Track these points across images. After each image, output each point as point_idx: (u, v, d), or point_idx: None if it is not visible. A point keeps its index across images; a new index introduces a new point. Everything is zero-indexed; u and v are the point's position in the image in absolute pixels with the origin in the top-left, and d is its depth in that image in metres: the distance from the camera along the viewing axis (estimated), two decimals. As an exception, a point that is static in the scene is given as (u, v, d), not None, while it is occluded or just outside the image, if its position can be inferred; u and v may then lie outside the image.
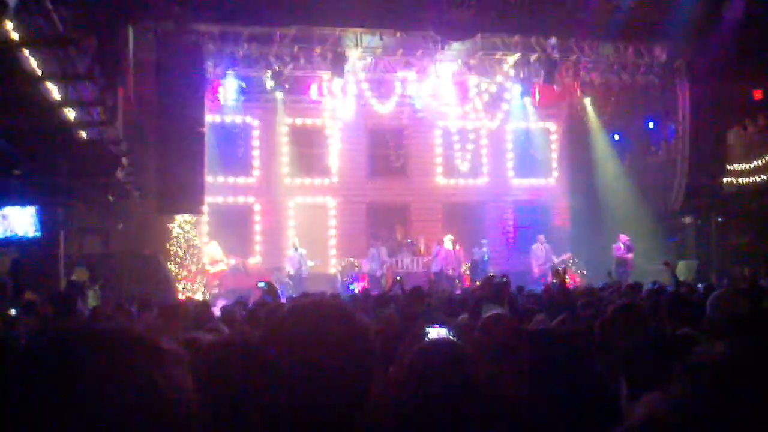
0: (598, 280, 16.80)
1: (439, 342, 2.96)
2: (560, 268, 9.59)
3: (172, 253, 19.51)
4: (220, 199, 21.54)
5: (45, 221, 13.05)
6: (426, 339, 3.32)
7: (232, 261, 20.89)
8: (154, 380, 1.16)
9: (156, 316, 7.55)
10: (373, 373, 1.89)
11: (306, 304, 1.98)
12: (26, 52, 9.54)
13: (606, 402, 3.47)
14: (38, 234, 12.97)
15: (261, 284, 12.33)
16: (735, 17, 18.42)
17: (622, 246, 20.63)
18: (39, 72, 9.98)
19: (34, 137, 11.75)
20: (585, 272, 21.75)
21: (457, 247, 21.37)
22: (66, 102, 11.40)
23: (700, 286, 12.76)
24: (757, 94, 20.14)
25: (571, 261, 22.06)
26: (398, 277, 12.44)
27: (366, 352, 1.89)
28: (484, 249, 21.88)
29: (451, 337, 3.42)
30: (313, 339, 1.81)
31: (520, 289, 12.16)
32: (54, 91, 10.65)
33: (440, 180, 24.12)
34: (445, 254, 21.18)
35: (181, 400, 1.20)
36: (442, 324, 4.73)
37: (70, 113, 11.82)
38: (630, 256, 20.52)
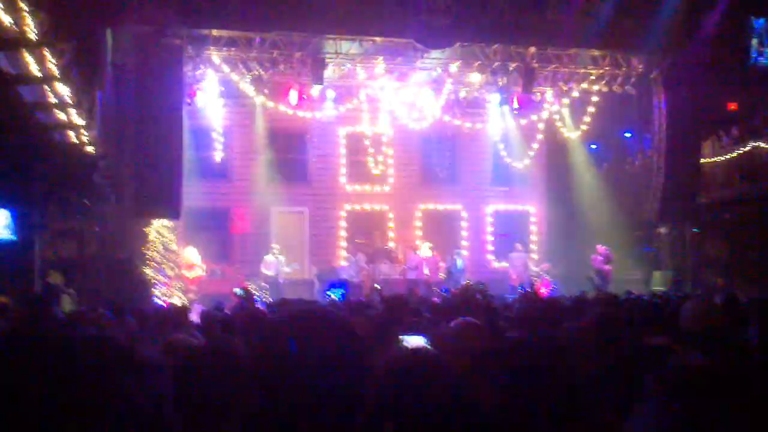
0: (572, 288, 16.89)
1: (413, 350, 2.97)
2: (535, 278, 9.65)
3: (148, 257, 19.35)
4: (197, 204, 21.42)
5: (20, 224, 12.90)
6: (402, 347, 3.32)
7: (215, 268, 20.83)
8: (125, 387, 1.15)
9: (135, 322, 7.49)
10: (365, 381, 1.88)
11: (300, 312, 1.96)
12: (1, 53, 9.45)
13: (583, 411, 3.49)
14: (13, 237, 12.81)
15: (238, 291, 12.32)
16: (711, 30, 18.66)
17: (600, 257, 20.76)
18: (14, 74, 9.89)
19: (9, 140, 11.64)
20: (557, 281, 21.84)
21: (435, 254, 21.41)
22: (42, 104, 11.30)
23: (674, 296, 12.88)
24: (732, 106, 20.39)
25: (548, 270, 22.18)
26: (377, 285, 12.45)
27: (359, 359, 1.87)
28: (458, 259, 21.84)
29: (426, 345, 3.42)
30: (309, 347, 1.79)
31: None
32: (30, 93, 10.56)
33: (419, 187, 24.16)
34: (423, 261, 21.24)
35: (153, 408, 1.19)
36: (418, 332, 4.73)
37: (47, 116, 11.72)
38: (608, 267, 20.65)
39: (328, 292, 19.89)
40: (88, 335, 1.21)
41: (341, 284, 20.29)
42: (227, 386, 2.72)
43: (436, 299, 13.92)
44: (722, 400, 1.61)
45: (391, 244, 23.10)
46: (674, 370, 1.70)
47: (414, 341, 3.51)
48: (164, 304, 15.15)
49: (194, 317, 9.41)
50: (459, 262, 21.80)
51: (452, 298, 9.01)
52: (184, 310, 8.78)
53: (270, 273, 20.22)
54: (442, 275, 21.43)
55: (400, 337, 3.71)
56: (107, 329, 7.11)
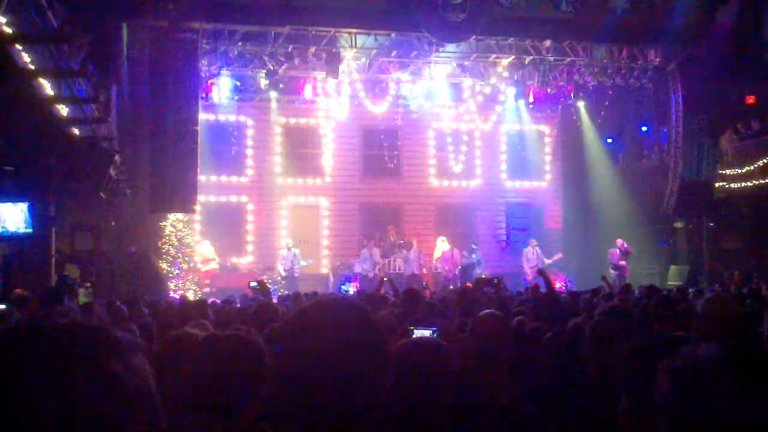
0: (588, 283, 16.81)
1: (420, 340, 2.98)
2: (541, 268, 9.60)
3: (164, 251, 19.46)
4: (213, 198, 21.54)
5: (36, 218, 12.98)
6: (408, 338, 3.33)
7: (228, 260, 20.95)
8: (113, 369, 1.15)
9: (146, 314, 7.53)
10: (389, 374, 1.86)
11: (325, 302, 1.95)
12: (19, 47, 9.50)
13: (598, 402, 3.48)
14: (29, 230, 12.90)
15: (253, 284, 12.33)
16: (728, 22, 18.50)
17: (618, 251, 20.69)
18: (32, 68, 9.94)
19: (26, 133, 11.71)
20: (572, 276, 21.79)
21: (452, 248, 21.39)
22: (59, 98, 11.36)
23: (691, 290, 12.81)
24: (750, 99, 20.22)
25: (562, 262, 22.12)
26: (385, 278, 12.42)
27: (384, 352, 1.86)
28: (474, 255, 21.83)
29: (434, 336, 3.43)
30: (333, 336, 1.78)
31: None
32: (47, 87, 10.61)
33: (433, 181, 24.14)
34: (441, 255, 21.27)
35: (142, 386, 1.20)
36: (429, 325, 4.74)
37: (63, 110, 11.79)
38: (624, 263, 20.57)
39: (342, 287, 19.95)
40: (69, 323, 1.21)
41: (355, 278, 20.35)
42: (245, 374, 2.73)
43: (448, 293, 13.92)
44: (732, 389, 1.60)
45: (405, 239, 23.06)
46: (682, 358, 1.69)
47: (423, 333, 3.52)
48: (177, 298, 15.23)
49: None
50: (475, 257, 21.77)
51: (464, 292, 8.98)
52: (203, 303, 8.84)
53: (285, 267, 20.27)
54: (444, 267, 21.38)
55: (410, 328, 3.71)
56: (93, 318, 7.18)
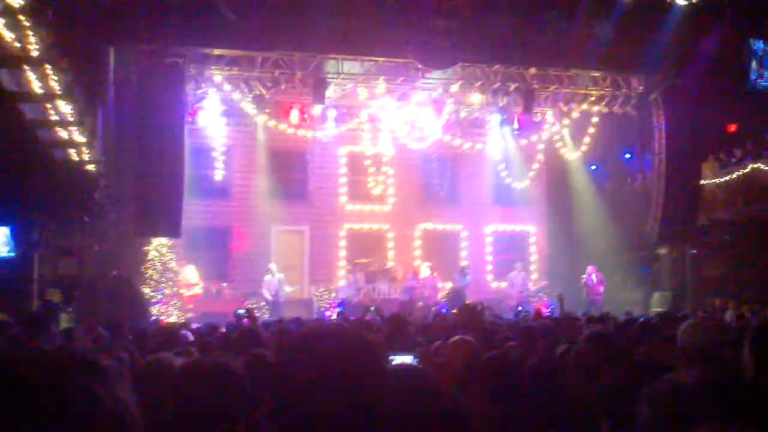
0: (572, 309, 16.87)
1: (400, 368, 2.98)
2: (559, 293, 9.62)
3: (147, 276, 19.34)
4: (197, 223, 21.44)
5: (19, 242, 12.90)
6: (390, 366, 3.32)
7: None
8: (95, 394, 1.16)
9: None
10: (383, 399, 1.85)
11: (321, 328, 1.96)
12: (3, 70, 9.49)
13: (580, 429, 3.48)
14: (12, 254, 12.81)
15: (241, 311, 12.28)
16: (710, 52, 18.75)
17: (594, 278, 20.83)
18: (16, 91, 9.93)
19: (10, 156, 11.66)
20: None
21: (435, 274, 21.35)
22: (44, 122, 11.34)
23: (673, 316, 12.84)
24: (732, 128, 20.45)
25: (547, 289, 22.16)
26: (371, 307, 12.39)
27: (379, 374, 1.86)
28: (467, 278, 21.60)
29: (414, 363, 3.43)
30: (330, 362, 1.77)
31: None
32: (32, 110, 10.60)
33: (419, 206, 24.17)
34: (422, 282, 21.21)
35: (123, 411, 1.20)
36: (407, 351, 4.74)
37: (48, 133, 11.76)
38: (598, 287, 20.70)
39: (327, 313, 19.87)
40: (56, 349, 1.22)
41: (340, 304, 20.28)
42: (223, 401, 2.72)
43: (431, 319, 13.86)
44: (713, 415, 1.61)
45: (391, 264, 23.06)
46: (664, 385, 1.70)
47: (402, 360, 3.52)
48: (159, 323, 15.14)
49: (191, 335, 9.37)
50: (468, 279, 21.51)
51: (451, 318, 8.99)
52: (175, 328, 8.78)
53: (271, 292, 20.16)
54: (441, 295, 21.34)
55: (390, 357, 3.71)
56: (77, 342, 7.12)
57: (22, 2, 9.74)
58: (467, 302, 16.89)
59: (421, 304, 20.57)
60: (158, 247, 19.69)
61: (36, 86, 10.90)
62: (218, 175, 22.23)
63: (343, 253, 23.31)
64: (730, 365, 3.73)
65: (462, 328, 6.62)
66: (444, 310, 18.63)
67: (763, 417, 1.66)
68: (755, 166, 18.82)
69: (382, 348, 5.57)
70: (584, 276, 20.91)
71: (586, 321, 10.40)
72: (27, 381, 1.13)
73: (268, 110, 20.85)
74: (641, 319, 10.37)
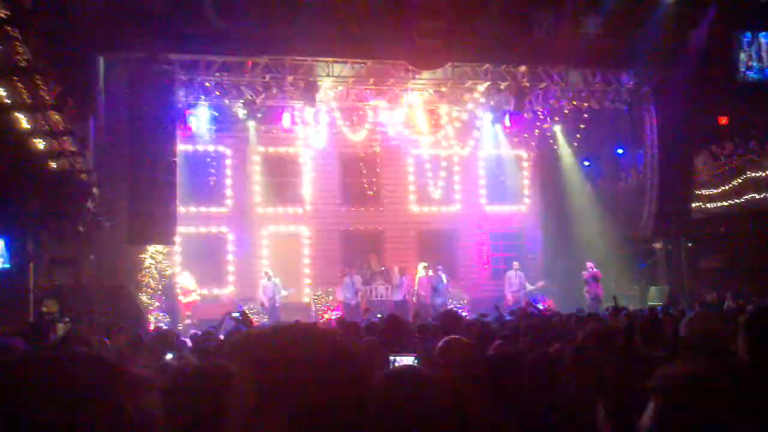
0: (568, 306, 16.87)
1: (402, 369, 2.98)
2: None
3: (144, 283, 19.30)
4: (192, 229, 21.41)
5: (14, 252, 12.86)
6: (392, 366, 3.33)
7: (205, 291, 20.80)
8: (122, 405, 1.14)
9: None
10: (367, 401, 1.81)
11: (291, 328, 1.89)
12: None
13: (579, 423, 3.48)
14: (7, 265, 12.77)
15: (235, 314, 12.22)
16: (699, 45, 18.79)
17: (593, 275, 20.87)
18: (8, 102, 9.90)
19: (3, 167, 11.63)
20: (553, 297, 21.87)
21: (431, 273, 21.33)
22: (36, 132, 11.31)
23: (671, 310, 12.88)
24: (723, 120, 20.49)
25: (545, 288, 22.15)
26: (368, 308, 12.39)
27: (359, 379, 1.80)
28: (442, 275, 21.41)
29: (415, 364, 3.43)
30: (303, 363, 1.71)
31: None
32: (23, 121, 10.57)
33: (413, 208, 24.16)
34: (418, 282, 21.21)
35: (149, 425, 1.18)
36: (409, 352, 4.74)
37: (40, 143, 11.73)
38: (595, 284, 20.73)
39: (326, 315, 19.86)
40: (79, 353, 1.20)
41: (338, 307, 20.27)
42: (220, 407, 2.71)
43: (428, 320, 13.86)
44: (708, 407, 1.61)
45: (386, 266, 23.02)
46: (662, 378, 1.70)
47: (404, 361, 3.51)
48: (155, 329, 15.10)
49: (189, 341, 9.37)
50: (444, 278, 21.43)
51: (446, 317, 8.98)
52: (171, 334, 8.77)
53: (267, 297, 20.13)
54: (422, 293, 21.23)
55: (391, 357, 3.70)
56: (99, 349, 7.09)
57: (9, 13, 9.71)
58: (449, 308, 16.99)
59: (421, 300, 20.62)
60: (154, 254, 19.64)
61: (26, 97, 10.86)
62: (211, 181, 22.21)
63: (340, 255, 23.26)
64: (730, 355, 3.74)
65: (443, 332, 6.61)
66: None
67: (759, 404, 1.66)
68: (748, 158, 18.88)
69: (378, 349, 5.56)
70: (585, 271, 20.94)
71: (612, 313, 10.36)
72: (48, 383, 1.12)
73: (259, 115, 20.82)
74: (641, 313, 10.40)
